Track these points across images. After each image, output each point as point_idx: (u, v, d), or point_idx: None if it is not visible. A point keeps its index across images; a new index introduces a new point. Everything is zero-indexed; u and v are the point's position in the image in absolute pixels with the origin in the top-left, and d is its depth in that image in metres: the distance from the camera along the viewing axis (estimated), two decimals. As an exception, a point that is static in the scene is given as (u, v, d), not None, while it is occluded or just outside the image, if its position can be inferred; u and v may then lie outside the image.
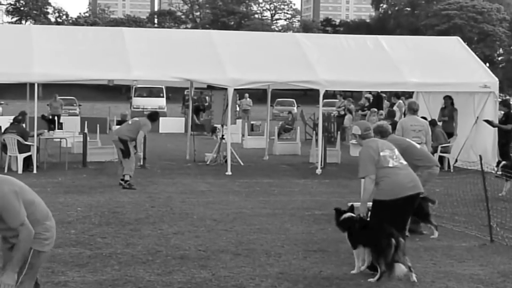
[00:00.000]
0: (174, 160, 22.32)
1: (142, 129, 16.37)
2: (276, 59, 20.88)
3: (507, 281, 8.87)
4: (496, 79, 21.42)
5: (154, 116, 17.44)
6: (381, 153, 9.23)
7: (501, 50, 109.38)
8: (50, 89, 32.12)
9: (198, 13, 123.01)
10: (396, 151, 9.52)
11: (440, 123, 21.42)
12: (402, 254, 8.66)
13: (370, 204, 9.32)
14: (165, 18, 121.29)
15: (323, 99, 20.73)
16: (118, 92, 61.27)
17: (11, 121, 20.64)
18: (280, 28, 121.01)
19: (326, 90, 20.61)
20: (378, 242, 8.63)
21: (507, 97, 22.86)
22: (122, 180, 16.30)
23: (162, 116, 41.17)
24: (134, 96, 47.08)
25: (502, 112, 20.58)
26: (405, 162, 9.48)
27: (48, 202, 14.17)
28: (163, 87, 47.48)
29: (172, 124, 37.14)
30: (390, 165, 9.20)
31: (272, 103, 34.30)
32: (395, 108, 25.82)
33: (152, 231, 11.53)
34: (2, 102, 45.70)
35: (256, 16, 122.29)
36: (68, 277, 8.63)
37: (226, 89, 20.35)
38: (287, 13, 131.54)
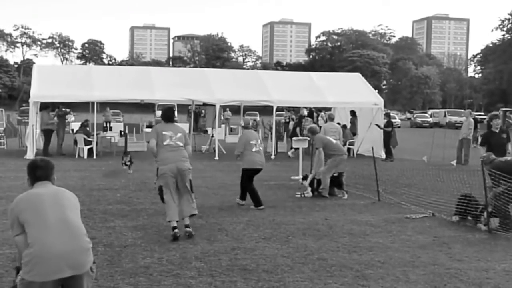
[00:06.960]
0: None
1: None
2: (246, 87, 20.85)
3: (388, 225, 8.93)
4: (382, 100, 21.59)
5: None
6: (251, 142, 9.87)
7: (384, 82, 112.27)
8: (104, 105, 31.88)
9: (197, 58, 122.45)
10: (259, 141, 10.03)
11: (348, 127, 21.58)
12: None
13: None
14: (176, 61, 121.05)
15: (276, 111, 20.73)
16: (147, 107, 60.48)
17: (79, 125, 20.54)
18: (248, 67, 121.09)
19: (278, 106, 20.65)
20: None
21: (388, 111, 23.10)
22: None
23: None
24: (157, 110, 47.05)
25: (386, 120, 20.77)
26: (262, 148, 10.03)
27: (102, 177, 14.01)
28: (175, 104, 47.11)
29: (180, 127, 36.81)
30: (254, 149, 9.84)
31: (243, 114, 34.10)
32: (320, 117, 25.91)
33: (168, 194, 11.39)
34: (75, 114, 45.93)
35: (233, 60, 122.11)
36: (115, 224, 8.55)
37: (215, 105, 20.29)
38: (252, 58, 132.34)
